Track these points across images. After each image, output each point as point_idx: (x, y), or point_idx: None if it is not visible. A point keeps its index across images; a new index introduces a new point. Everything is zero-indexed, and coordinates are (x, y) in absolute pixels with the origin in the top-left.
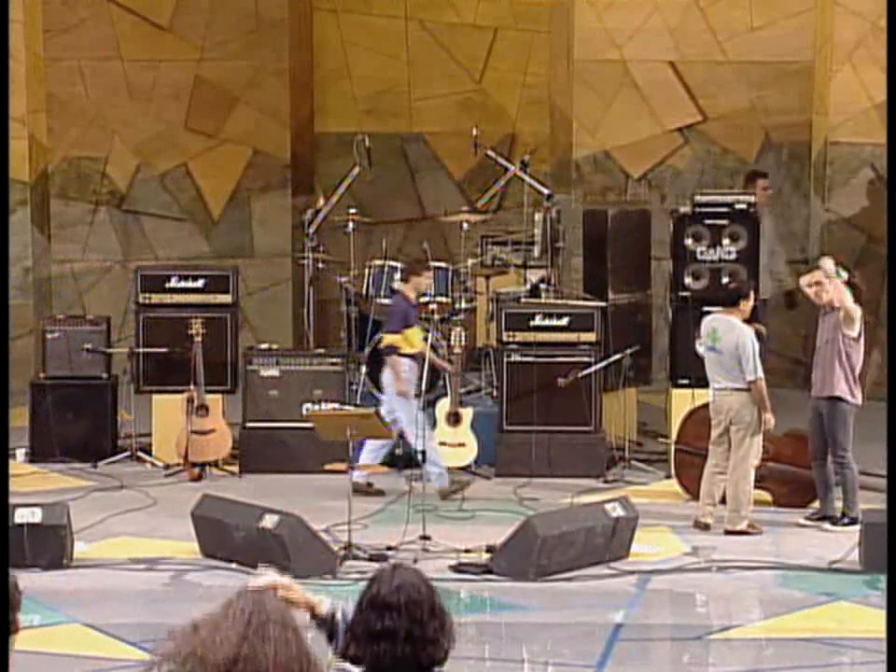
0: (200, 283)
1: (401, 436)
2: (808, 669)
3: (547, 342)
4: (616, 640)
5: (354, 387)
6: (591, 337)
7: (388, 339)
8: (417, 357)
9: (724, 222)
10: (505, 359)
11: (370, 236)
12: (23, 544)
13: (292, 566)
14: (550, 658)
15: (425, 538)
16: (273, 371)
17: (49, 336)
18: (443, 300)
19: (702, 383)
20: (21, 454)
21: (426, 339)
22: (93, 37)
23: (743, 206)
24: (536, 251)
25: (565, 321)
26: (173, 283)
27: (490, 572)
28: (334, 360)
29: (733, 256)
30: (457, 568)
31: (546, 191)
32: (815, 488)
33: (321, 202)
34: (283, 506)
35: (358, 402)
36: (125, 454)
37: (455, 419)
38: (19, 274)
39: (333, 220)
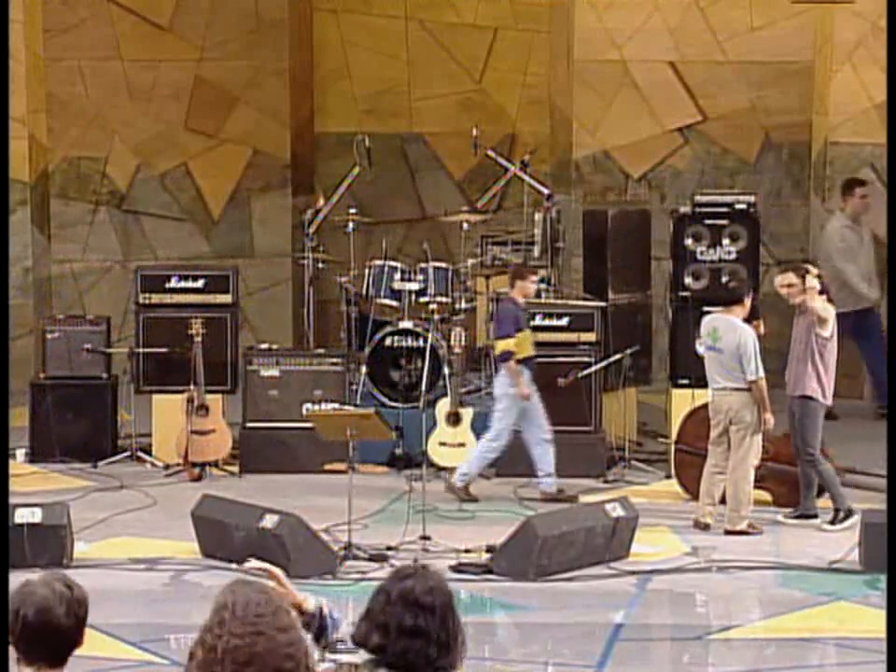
0: (200, 283)
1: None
2: (808, 669)
3: (547, 342)
4: (616, 640)
5: (354, 387)
6: (591, 337)
7: (502, 344)
8: (529, 362)
9: (724, 222)
10: None
11: (370, 236)
12: (23, 544)
13: (292, 566)
14: (550, 658)
15: (425, 538)
16: (273, 371)
17: (48, 336)
18: (443, 300)
19: (702, 383)
20: (20, 454)
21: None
22: (93, 37)
23: (743, 206)
24: (536, 251)
25: (565, 321)
26: (173, 283)
27: (490, 572)
28: (334, 360)
29: (733, 256)
30: (457, 568)
31: (546, 191)
32: None
33: (321, 202)
34: (283, 506)
35: (358, 402)
36: (125, 454)
37: (454, 419)
38: (19, 274)
39: (333, 220)
